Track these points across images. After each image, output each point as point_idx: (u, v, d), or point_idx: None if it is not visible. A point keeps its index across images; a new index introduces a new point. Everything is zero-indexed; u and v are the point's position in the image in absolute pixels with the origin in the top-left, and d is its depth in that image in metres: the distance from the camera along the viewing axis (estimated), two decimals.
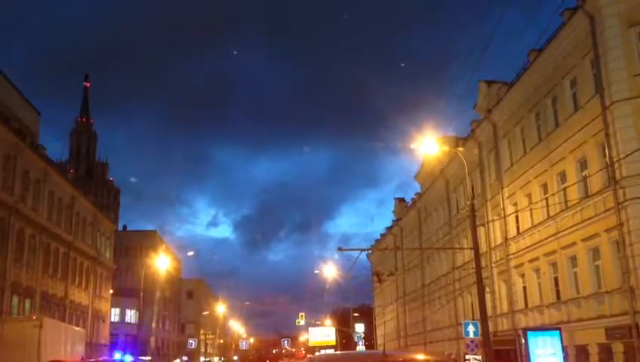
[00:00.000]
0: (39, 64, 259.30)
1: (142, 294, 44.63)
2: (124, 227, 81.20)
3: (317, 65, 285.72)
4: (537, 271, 25.07)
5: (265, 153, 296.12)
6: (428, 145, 20.97)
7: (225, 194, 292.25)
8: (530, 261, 25.55)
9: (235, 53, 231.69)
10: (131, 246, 68.19)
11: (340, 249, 26.89)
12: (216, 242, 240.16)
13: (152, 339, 65.21)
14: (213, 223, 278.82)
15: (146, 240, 68.68)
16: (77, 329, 30.97)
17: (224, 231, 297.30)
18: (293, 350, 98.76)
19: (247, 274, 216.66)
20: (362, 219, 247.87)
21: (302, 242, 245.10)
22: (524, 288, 26.53)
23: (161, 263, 54.10)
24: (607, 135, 19.01)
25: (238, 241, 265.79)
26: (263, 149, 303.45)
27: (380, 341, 58.18)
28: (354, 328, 59.38)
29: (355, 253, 31.10)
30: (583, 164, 21.33)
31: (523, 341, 20.41)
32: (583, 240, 21.07)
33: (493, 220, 29.46)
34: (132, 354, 25.31)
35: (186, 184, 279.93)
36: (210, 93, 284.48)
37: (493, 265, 29.42)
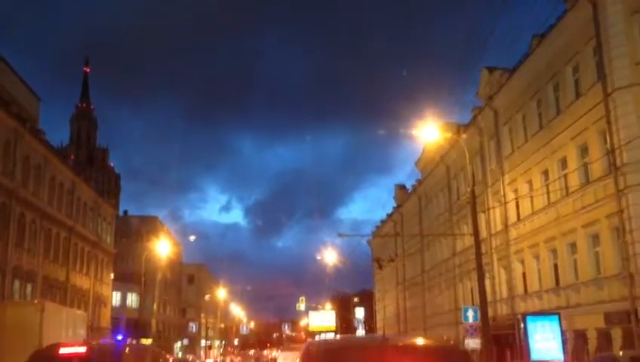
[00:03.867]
0: (40, 49, 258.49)
1: (143, 278, 44.87)
2: (125, 212, 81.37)
3: (332, 53, 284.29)
4: (537, 257, 25.16)
5: (279, 140, 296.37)
6: (428, 131, 21.00)
7: (238, 180, 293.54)
8: (530, 247, 25.64)
9: (242, 40, 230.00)
10: (132, 231, 68.47)
11: (340, 235, 27.39)
12: (226, 227, 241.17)
13: (153, 323, 65.61)
14: (226, 208, 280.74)
15: (147, 226, 68.93)
16: (78, 312, 31.11)
17: (236, 216, 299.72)
18: (294, 334, 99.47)
19: (255, 258, 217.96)
20: (374, 206, 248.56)
21: (313, 228, 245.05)
22: (524, 274, 26.65)
23: (162, 248, 54.32)
24: (608, 122, 18.98)
25: (249, 226, 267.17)
26: (277, 136, 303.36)
27: (379, 325, 58.57)
28: (354, 313, 59.70)
29: (358, 239, 31.30)
30: (584, 151, 21.33)
31: (522, 325, 20.53)
32: (583, 226, 21.14)
33: (493, 206, 29.51)
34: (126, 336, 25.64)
35: (199, 170, 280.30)
36: (225, 80, 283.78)
37: (493, 251, 29.52)
